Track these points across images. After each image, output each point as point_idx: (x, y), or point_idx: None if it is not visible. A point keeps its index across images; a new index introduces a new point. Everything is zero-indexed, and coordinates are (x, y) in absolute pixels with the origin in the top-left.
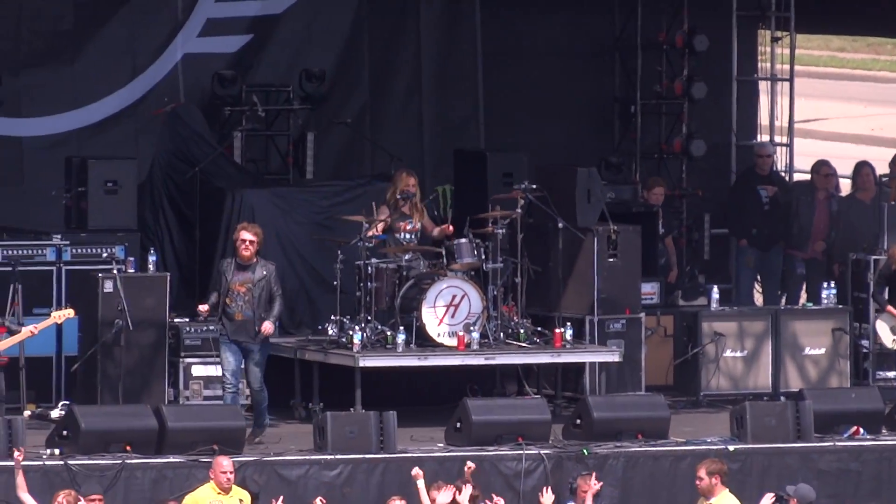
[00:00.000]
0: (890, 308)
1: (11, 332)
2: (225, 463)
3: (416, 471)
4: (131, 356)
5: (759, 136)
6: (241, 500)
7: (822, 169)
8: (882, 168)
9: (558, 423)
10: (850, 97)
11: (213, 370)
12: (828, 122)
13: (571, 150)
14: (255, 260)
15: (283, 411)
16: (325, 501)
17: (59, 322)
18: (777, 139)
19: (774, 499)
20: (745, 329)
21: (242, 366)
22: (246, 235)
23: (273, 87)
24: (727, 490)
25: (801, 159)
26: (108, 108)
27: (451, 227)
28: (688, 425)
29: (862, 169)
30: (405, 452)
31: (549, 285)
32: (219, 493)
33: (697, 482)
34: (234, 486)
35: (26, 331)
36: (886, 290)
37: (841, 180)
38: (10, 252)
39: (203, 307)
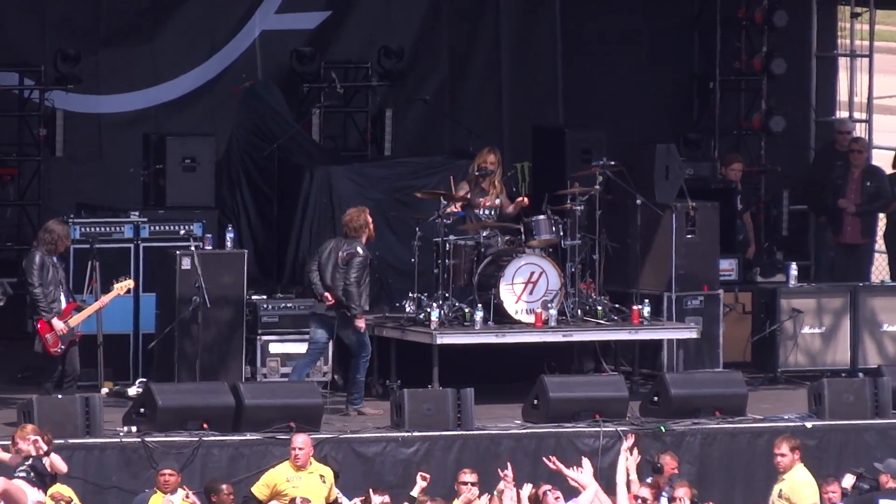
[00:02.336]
0: None
1: (80, 309)
2: (298, 440)
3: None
4: (208, 333)
5: (838, 113)
6: (321, 476)
7: (854, 145)
8: None
9: (636, 399)
10: None
11: (291, 347)
12: None
13: (650, 126)
14: None
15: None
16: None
17: (121, 293)
18: (856, 115)
19: (855, 479)
20: (823, 305)
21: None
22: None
23: (351, 63)
24: (801, 464)
25: (880, 135)
26: (186, 85)
27: (525, 200)
28: (765, 402)
29: None
30: (483, 429)
31: (627, 262)
32: (296, 471)
33: (780, 458)
34: (315, 463)
35: (95, 304)
36: None
37: None
38: (88, 229)
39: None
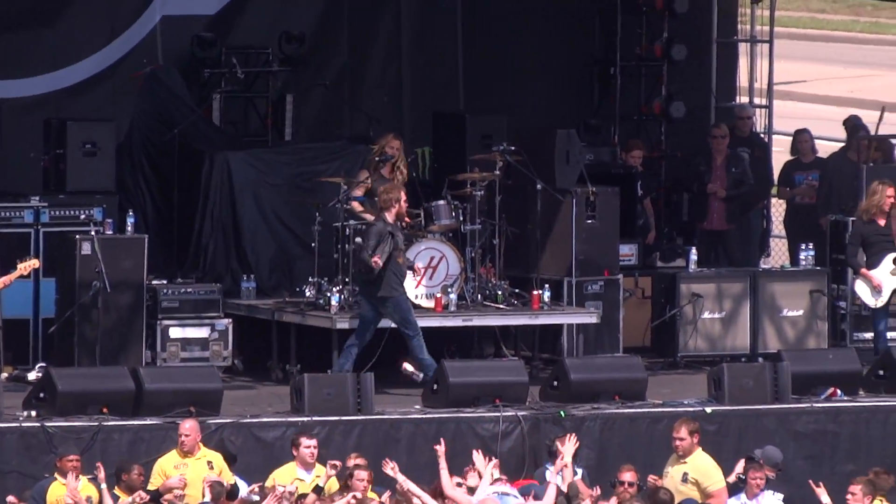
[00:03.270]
0: (864, 272)
1: None
2: (185, 426)
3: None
4: (108, 318)
5: (738, 98)
6: (209, 462)
7: (715, 130)
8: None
9: (535, 384)
10: (830, 59)
11: (191, 332)
12: (807, 84)
13: (551, 112)
14: None
15: (260, 373)
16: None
17: (24, 273)
18: (756, 101)
19: (745, 462)
20: (723, 290)
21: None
22: (405, 197)
23: (252, 48)
24: (700, 449)
25: (781, 121)
26: (86, 70)
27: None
28: (665, 387)
29: (800, 135)
30: (382, 414)
31: (528, 247)
32: (183, 457)
33: (679, 442)
34: (203, 448)
35: None
36: (860, 251)
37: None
38: None
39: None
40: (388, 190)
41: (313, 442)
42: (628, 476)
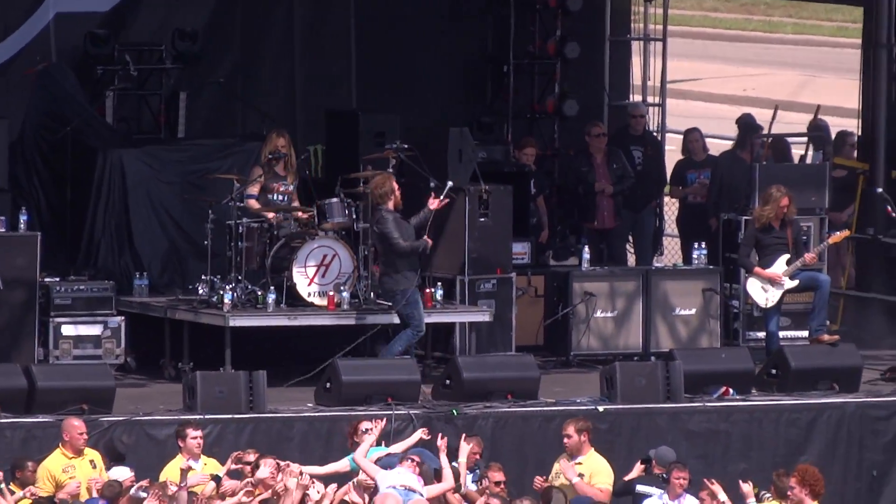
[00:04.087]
0: (758, 270)
1: None
2: (73, 423)
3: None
4: (1, 315)
5: (631, 97)
6: (91, 461)
7: (592, 129)
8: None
9: (428, 383)
10: (723, 57)
11: (84, 329)
12: (701, 83)
13: (443, 110)
14: None
15: (153, 371)
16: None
17: None
18: (650, 99)
19: (643, 464)
20: (615, 289)
21: None
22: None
23: (145, 46)
24: (593, 449)
25: (675, 119)
26: None
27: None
28: (558, 385)
29: (690, 134)
30: (275, 412)
31: None
32: (70, 458)
33: (566, 440)
34: (86, 448)
35: None
36: (753, 251)
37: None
38: None
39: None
40: (379, 185)
41: (199, 433)
42: (497, 475)
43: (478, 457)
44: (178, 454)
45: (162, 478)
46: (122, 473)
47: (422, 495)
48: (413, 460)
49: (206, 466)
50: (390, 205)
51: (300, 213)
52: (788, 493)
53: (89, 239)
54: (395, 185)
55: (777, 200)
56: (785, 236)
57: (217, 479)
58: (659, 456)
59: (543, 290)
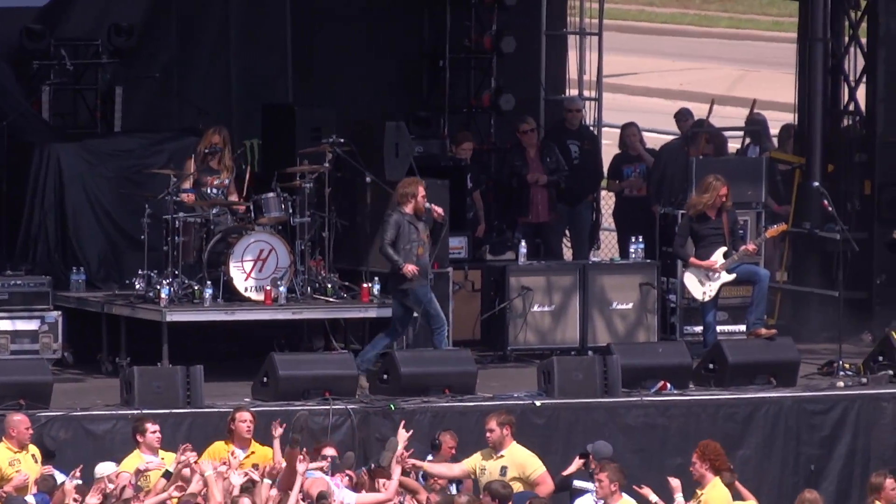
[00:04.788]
0: (694, 260)
1: None
2: (16, 418)
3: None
4: None
5: (568, 91)
6: (34, 456)
7: (522, 126)
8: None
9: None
10: (660, 52)
11: (21, 324)
12: (637, 77)
13: (380, 104)
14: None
15: (90, 366)
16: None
17: None
18: (586, 94)
19: (582, 459)
20: (552, 283)
21: None
22: (423, 190)
23: (81, 41)
24: (515, 442)
25: (611, 114)
26: None
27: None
28: (495, 380)
29: (627, 129)
30: (212, 407)
31: (357, 240)
32: (16, 452)
33: (488, 434)
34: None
35: None
36: (689, 242)
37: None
38: None
39: (411, 268)
40: (404, 185)
41: (158, 426)
42: (450, 441)
43: (454, 451)
44: (135, 450)
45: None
46: (107, 468)
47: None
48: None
49: (164, 461)
50: (408, 208)
51: (240, 208)
52: (690, 468)
53: (26, 234)
54: (421, 192)
55: (716, 189)
56: (721, 227)
57: (168, 474)
58: (596, 451)
59: (480, 285)
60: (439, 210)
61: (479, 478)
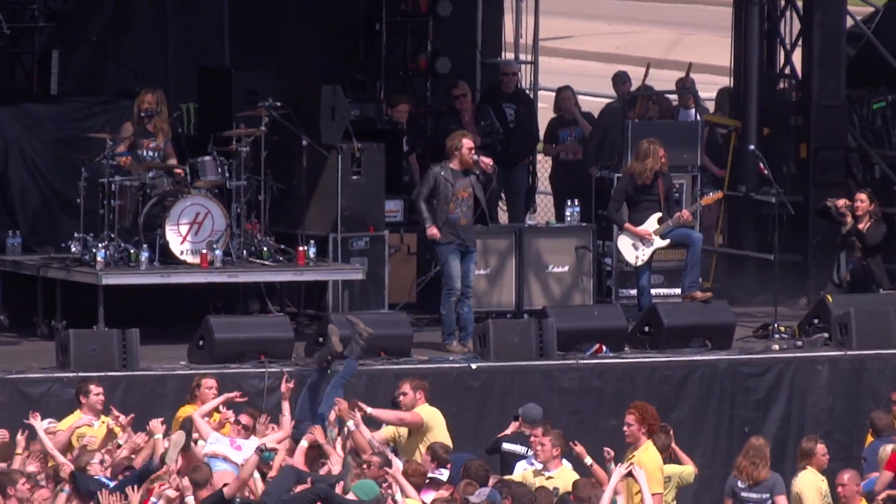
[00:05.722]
0: (628, 226)
1: None
2: None
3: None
4: None
5: (504, 55)
6: None
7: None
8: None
9: (301, 340)
10: (596, 15)
11: None
12: (573, 41)
13: (316, 68)
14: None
15: (26, 329)
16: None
17: None
18: (522, 57)
19: (517, 422)
20: (488, 246)
21: None
22: (471, 143)
23: (18, 4)
24: (428, 404)
25: (547, 77)
26: None
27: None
28: (431, 343)
29: (563, 92)
30: (148, 370)
31: (293, 203)
32: None
33: (401, 398)
34: None
35: None
36: (624, 206)
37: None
38: None
39: (433, 231)
40: (450, 138)
41: (101, 389)
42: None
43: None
44: (76, 410)
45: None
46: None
47: (230, 460)
48: (240, 425)
49: (103, 425)
50: (454, 163)
51: (177, 171)
52: (625, 429)
53: None
54: (467, 144)
55: (656, 153)
56: (657, 192)
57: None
58: (525, 413)
59: (416, 248)
60: (487, 160)
61: (398, 442)
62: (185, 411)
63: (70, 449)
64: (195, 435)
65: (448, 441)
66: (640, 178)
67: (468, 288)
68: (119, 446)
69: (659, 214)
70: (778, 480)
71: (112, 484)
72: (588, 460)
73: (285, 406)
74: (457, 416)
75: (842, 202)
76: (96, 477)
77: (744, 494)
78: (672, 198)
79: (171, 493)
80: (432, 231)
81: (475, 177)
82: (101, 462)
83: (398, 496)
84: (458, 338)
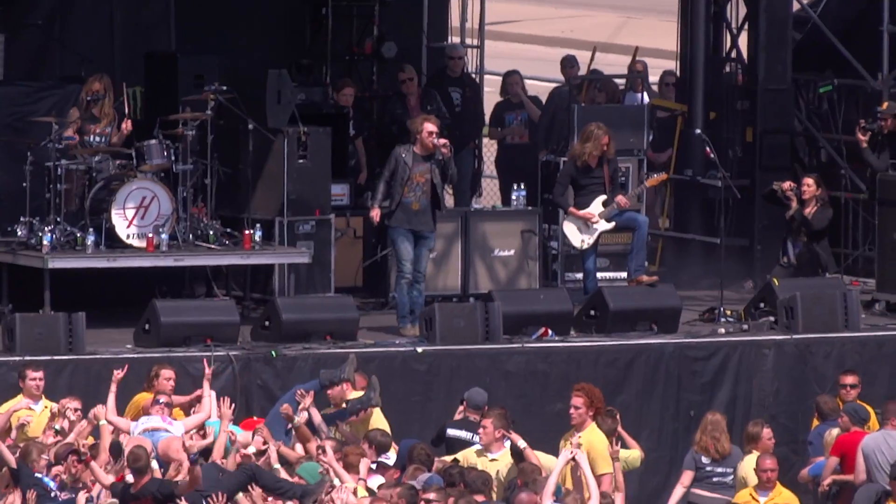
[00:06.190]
0: (573, 210)
1: None
2: None
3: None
4: None
5: (450, 39)
6: None
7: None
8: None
9: (247, 324)
10: None
11: None
12: (520, 24)
13: (262, 52)
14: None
15: None
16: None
17: None
18: (468, 41)
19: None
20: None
21: None
22: (433, 127)
23: None
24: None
25: (493, 61)
26: None
27: (128, 124)
28: (377, 327)
29: (509, 77)
30: (94, 354)
31: (239, 187)
32: None
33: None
34: None
35: None
36: (569, 190)
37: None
38: None
39: (374, 213)
40: (412, 121)
41: (39, 374)
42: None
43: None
44: (19, 395)
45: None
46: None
47: (169, 431)
48: (161, 404)
49: (46, 409)
50: (417, 146)
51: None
52: (572, 411)
53: None
54: (427, 128)
55: (598, 138)
56: (602, 176)
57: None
58: (470, 398)
59: (362, 232)
60: (441, 142)
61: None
62: (141, 398)
63: (8, 432)
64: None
65: (386, 426)
66: (579, 160)
67: (419, 273)
68: (56, 432)
69: (604, 197)
70: (740, 454)
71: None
72: (521, 443)
73: (206, 387)
74: (403, 401)
75: (787, 185)
76: (38, 475)
77: (709, 468)
78: (617, 181)
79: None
80: (374, 213)
81: (436, 162)
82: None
83: (336, 480)
84: (410, 321)
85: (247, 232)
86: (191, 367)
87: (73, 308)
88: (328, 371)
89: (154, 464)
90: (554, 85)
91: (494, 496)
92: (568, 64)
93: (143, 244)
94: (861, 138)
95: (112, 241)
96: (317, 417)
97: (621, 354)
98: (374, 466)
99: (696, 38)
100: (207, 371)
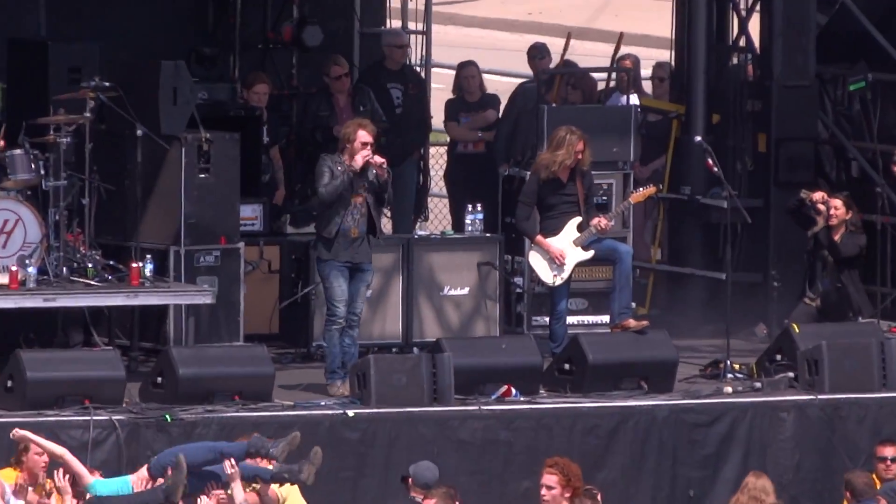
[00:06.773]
0: (540, 239)
1: None
2: None
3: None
4: None
5: (389, 23)
6: None
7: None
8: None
9: (135, 381)
10: None
11: None
12: (476, 5)
13: (155, 39)
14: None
15: None
16: None
17: None
18: (412, 26)
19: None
20: None
21: None
22: (368, 137)
23: None
24: None
25: (443, 51)
26: None
27: None
28: (297, 384)
29: (464, 69)
30: None
31: (126, 208)
32: None
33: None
34: None
35: None
36: (535, 212)
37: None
38: None
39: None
40: (346, 125)
41: None
42: None
43: None
44: None
45: None
46: None
47: None
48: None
49: None
50: (346, 157)
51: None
52: (544, 492)
53: None
54: (361, 137)
55: (572, 144)
56: (575, 192)
57: None
58: (416, 475)
59: (279, 265)
60: (377, 161)
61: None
62: (6, 476)
63: None
64: None
65: None
66: (546, 171)
67: (354, 316)
68: None
69: (579, 219)
70: None
71: None
72: None
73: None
74: (330, 476)
75: (819, 195)
76: None
77: None
78: (592, 200)
79: None
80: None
81: (369, 182)
82: None
83: None
84: (341, 376)
85: (134, 265)
86: (65, 434)
87: None
88: (260, 439)
89: None
90: (519, 81)
91: None
92: (537, 55)
93: (5, 280)
94: None
95: None
96: (239, 496)
97: (603, 420)
98: None
99: (695, 22)
100: None
